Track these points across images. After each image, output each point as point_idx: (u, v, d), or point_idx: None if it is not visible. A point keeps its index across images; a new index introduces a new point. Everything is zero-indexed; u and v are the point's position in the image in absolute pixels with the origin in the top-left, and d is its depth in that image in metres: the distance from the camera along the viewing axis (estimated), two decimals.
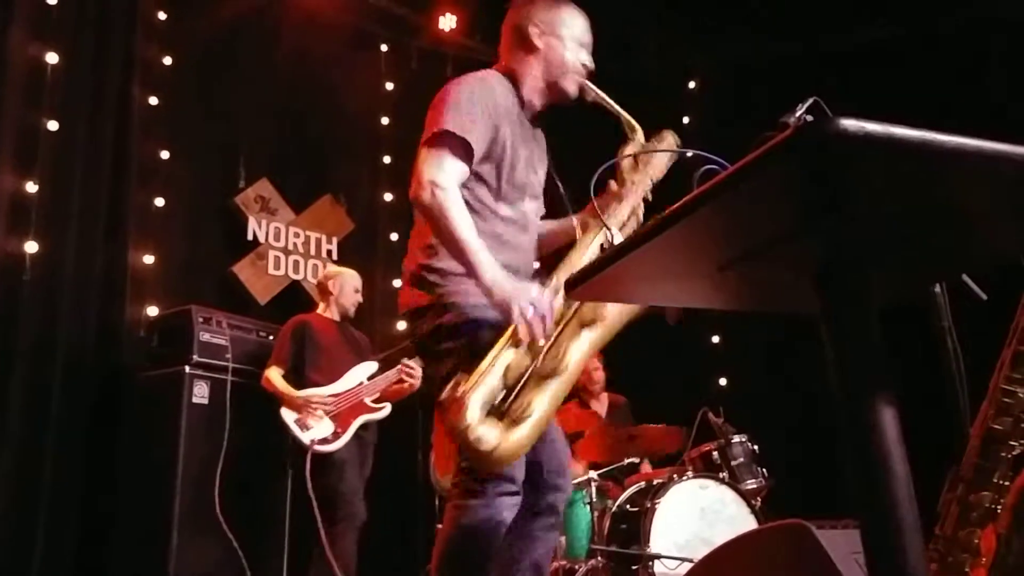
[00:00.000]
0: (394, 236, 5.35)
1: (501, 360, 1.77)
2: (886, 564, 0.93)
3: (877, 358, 0.99)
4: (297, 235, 5.01)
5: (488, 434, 1.70)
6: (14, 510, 3.47)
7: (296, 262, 4.97)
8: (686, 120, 5.43)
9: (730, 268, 1.06)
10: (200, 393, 3.61)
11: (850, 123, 0.80)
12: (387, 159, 5.58)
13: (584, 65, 2.12)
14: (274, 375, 3.69)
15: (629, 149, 2.05)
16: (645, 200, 2.08)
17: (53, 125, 3.90)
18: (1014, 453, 1.36)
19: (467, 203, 1.94)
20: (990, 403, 1.39)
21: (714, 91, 5.55)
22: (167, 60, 4.54)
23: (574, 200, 2.16)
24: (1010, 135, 0.85)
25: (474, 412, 1.70)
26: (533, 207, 2.14)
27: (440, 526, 3.99)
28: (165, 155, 4.45)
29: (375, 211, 5.44)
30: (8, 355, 3.58)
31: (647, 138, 2.10)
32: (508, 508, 1.91)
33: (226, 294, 4.56)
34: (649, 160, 2.06)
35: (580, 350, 1.84)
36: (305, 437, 3.58)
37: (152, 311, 4.16)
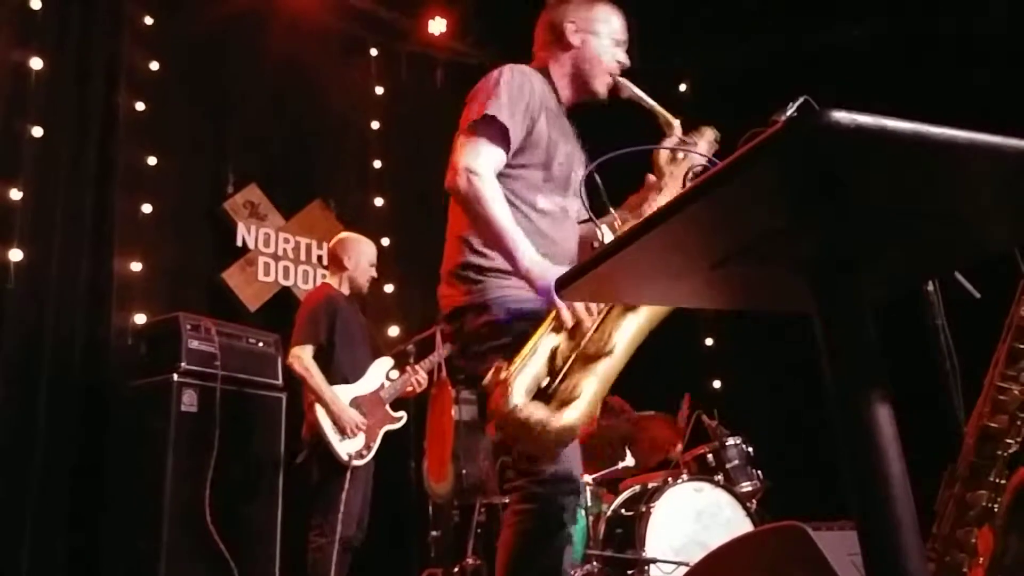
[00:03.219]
0: (385, 241, 5.32)
1: (544, 345, 1.72)
2: (884, 563, 0.92)
3: (871, 355, 0.98)
4: (287, 241, 4.98)
5: (536, 414, 1.64)
6: (1, 521, 3.42)
7: (286, 268, 4.94)
8: (677, 123, 5.42)
9: (723, 266, 1.05)
10: (189, 401, 3.56)
11: (841, 115, 0.79)
12: (377, 164, 5.57)
13: (619, 62, 2.13)
14: (308, 359, 3.52)
15: (667, 143, 2.03)
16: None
17: (37, 131, 3.86)
18: (1010, 451, 1.35)
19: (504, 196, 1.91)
20: (985, 400, 1.38)
21: (704, 94, 5.55)
22: (154, 65, 4.51)
23: (613, 199, 2.13)
24: (1001, 130, 0.84)
25: (519, 395, 1.64)
26: (575, 205, 2.11)
27: (435, 532, 4.05)
28: (152, 161, 4.41)
29: (365, 216, 5.41)
30: None
31: (685, 132, 2.08)
32: (569, 507, 1.87)
33: (215, 301, 4.52)
34: (688, 153, 2.02)
35: (627, 333, 1.76)
36: (341, 449, 3.50)
37: (140, 319, 4.12)
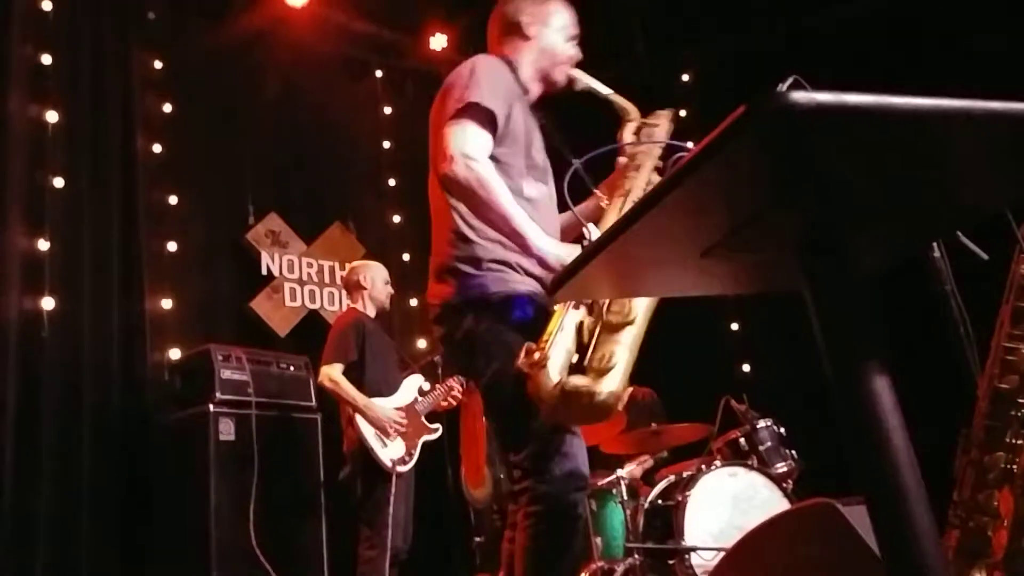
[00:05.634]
0: (406, 256, 5.39)
1: (569, 321, 1.76)
2: (894, 535, 0.92)
3: (866, 327, 0.98)
4: (310, 265, 5.07)
5: (580, 385, 1.69)
6: (52, 563, 3.50)
7: (312, 292, 5.03)
8: (683, 113, 5.42)
9: (713, 253, 1.05)
10: (226, 430, 3.64)
11: (799, 95, 0.79)
12: (392, 182, 5.65)
13: (571, 56, 2.16)
14: (338, 374, 3.58)
15: (628, 129, 2.08)
16: (658, 168, 2.10)
17: (59, 182, 3.98)
18: (1023, 411, 1.34)
19: None
20: (994, 362, 1.37)
21: (708, 82, 5.53)
22: (167, 107, 4.63)
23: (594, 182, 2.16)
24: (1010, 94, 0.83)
25: (556, 371, 1.69)
26: (554, 191, 2.12)
27: (479, 539, 4.08)
28: (173, 200, 4.53)
29: (385, 234, 5.49)
30: (34, 412, 3.62)
31: (643, 115, 2.14)
32: (578, 503, 1.88)
33: (246, 330, 4.61)
34: (650, 132, 2.09)
35: (643, 299, 1.83)
36: (384, 456, 3.54)
37: (175, 354, 4.21)
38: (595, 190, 2.12)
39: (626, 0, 5.40)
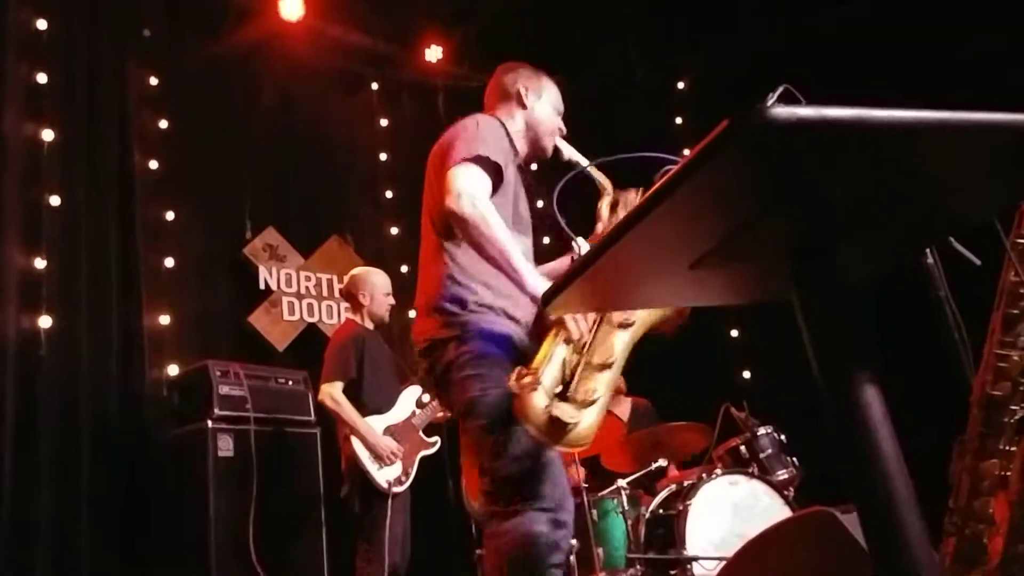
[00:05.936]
0: (404, 268, 5.39)
1: (556, 354, 1.88)
2: (885, 542, 0.92)
3: (855, 337, 0.98)
4: (308, 278, 5.07)
5: (567, 411, 1.81)
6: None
7: (310, 305, 5.03)
8: (679, 121, 5.42)
9: (702, 264, 1.06)
10: (225, 446, 3.63)
11: (781, 110, 0.80)
12: (389, 194, 5.67)
13: (559, 129, 2.33)
14: (339, 394, 3.55)
15: (605, 202, 2.23)
16: None
17: (55, 200, 3.98)
18: (1016, 417, 1.34)
19: None
20: (986, 369, 1.37)
21: (708, 82, 5.53)
22: (163, 123, 4.64)
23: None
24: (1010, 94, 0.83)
25: (544, 396, 1.81)
26: (531, 243, 2.25)
27: (480, 551, 4.06)
28: (170, 216, 4.53)
29: (382, 246, 5.50)
30: (33, 430, 3.61)
31: (617, 189, 2.29)
32: (543, 523, 1.90)
33: (244, 345, 4.61)
34: (627, 203, 2.22)
35: (622, 342, 1.97)
36: (380, 477, 3.54)
37: (173, 370, 4.21)
38: (585, 240, 2.23)
39: (622, 5, 5.41)
